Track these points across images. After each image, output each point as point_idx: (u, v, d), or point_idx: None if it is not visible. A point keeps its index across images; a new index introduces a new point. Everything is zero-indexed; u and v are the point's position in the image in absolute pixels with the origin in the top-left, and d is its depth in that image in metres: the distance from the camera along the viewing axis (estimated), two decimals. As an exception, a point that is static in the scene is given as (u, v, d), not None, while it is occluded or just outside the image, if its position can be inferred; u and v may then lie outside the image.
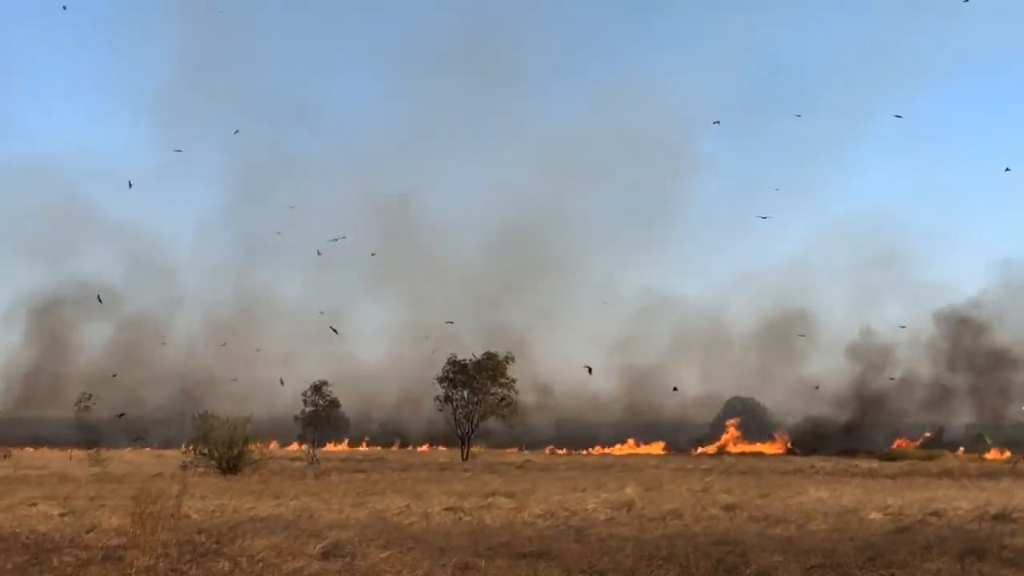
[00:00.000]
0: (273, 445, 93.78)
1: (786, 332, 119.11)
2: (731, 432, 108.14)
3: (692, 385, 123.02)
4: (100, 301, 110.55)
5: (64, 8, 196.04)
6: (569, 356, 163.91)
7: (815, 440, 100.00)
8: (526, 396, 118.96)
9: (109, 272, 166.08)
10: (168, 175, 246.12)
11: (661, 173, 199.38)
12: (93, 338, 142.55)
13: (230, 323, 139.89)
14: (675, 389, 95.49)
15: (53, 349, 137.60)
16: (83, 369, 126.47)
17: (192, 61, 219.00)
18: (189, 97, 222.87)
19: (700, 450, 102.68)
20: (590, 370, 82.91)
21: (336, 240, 77.90)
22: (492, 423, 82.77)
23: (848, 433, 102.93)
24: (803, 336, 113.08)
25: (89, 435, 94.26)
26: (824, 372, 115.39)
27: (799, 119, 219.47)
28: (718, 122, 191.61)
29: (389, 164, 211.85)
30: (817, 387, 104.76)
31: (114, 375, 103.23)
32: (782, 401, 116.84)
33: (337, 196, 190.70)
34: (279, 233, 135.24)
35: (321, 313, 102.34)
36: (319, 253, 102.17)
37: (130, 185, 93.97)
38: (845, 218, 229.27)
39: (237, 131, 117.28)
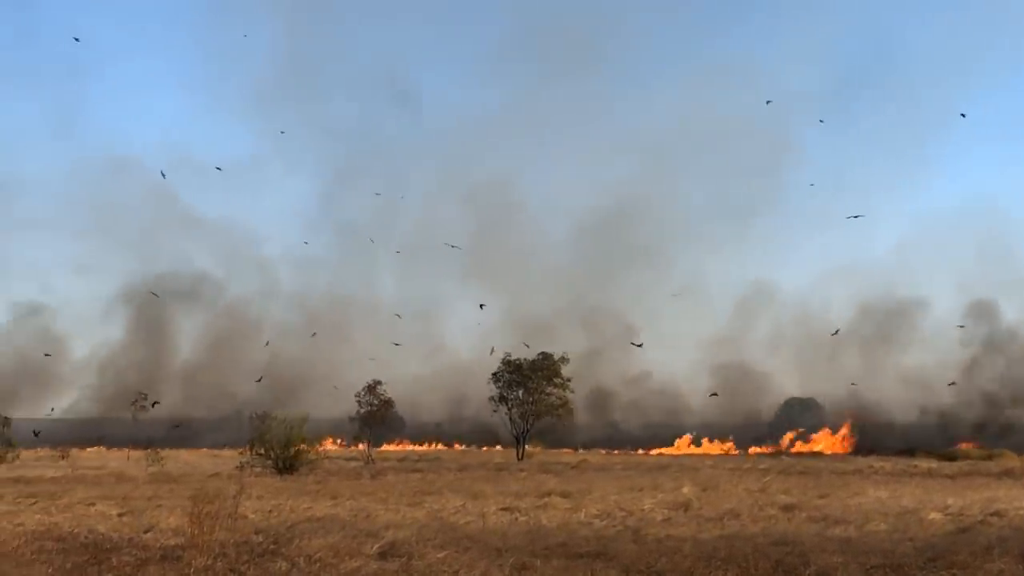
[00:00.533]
0: (329, 444, 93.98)
1: (886, 325, 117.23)
2: (791, 433, 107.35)
3: (784, 382, 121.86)
4: (191, 297, 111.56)
5: None
6: (657, 348, 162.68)
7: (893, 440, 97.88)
8: (621, 389, 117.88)
9: (204, 265, 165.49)
10: (263, 166, 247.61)
11: (755, 163, 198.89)
12: (185, 332, 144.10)
13: (322, 317, 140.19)
14: (714, 395, 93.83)
15: (150, 343, 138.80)
16: (176, 363, 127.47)
17: (287, 50, 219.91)
18: (284, 87, 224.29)
19: (756, 449, 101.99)
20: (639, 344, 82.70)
21: (453, 247, 76.94)
22: (547, 422, 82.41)
23: (980, 431, 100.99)
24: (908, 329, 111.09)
25: (147, 435, 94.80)
26: (928, 366, 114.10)
27: (895, 108, 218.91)
28: (823, 121, 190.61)
29: (484, 152, 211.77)
30: (952, 383, 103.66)
31: (259, 380, 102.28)
32: (891, 396, 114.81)
33: (430, 183, 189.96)
34: (372, 241, 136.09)
35: (398, 316, 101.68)
36: (398, 252, 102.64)
37: (219, 169, 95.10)
38: (946, 207, 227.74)
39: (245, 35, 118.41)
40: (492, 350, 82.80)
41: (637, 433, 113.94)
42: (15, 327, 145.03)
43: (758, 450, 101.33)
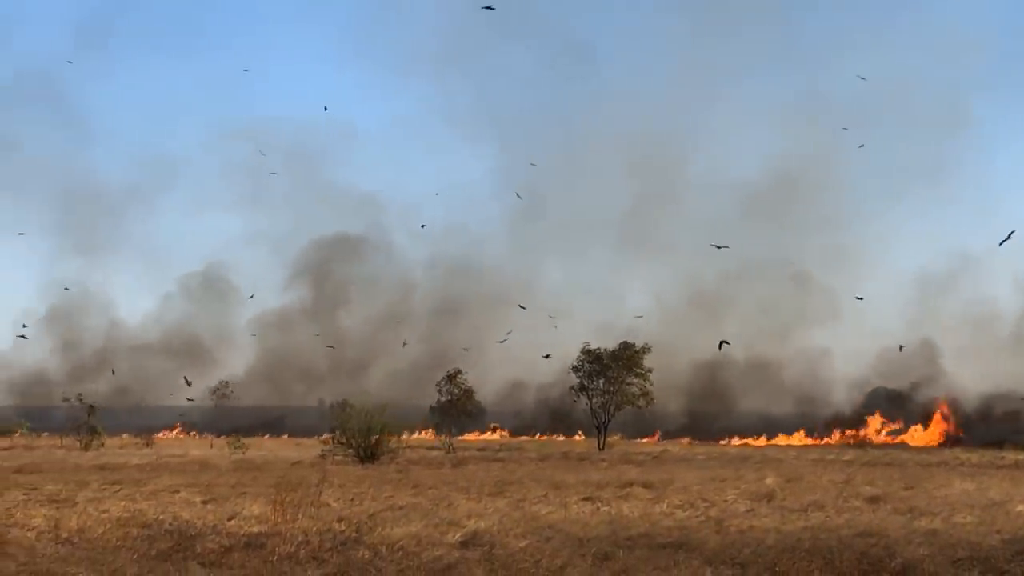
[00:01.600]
0: (425, 433, 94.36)
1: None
2: (873, 422, 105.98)
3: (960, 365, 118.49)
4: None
5: None
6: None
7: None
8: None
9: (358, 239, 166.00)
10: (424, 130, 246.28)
11: (936, 133, 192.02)
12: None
13: (487, 294, 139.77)
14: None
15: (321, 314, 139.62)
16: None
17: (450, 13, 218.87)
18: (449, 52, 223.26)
19: (828, 439, 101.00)
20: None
21: (720, 248, 76.24)
22: (629, 412, 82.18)
23: None
24: None
25: (230, 422, 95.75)
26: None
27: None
28: None
29: (655, 117, 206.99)
30: None
31: (466, 348, 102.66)
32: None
33: (600, 147, 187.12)
34: (519, 196, 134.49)
35: (552, 317, 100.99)
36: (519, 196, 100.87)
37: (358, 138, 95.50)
38: None
39: None
40: (548, 356, 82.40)
41: (736, 421, 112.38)
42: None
43: (840, 440, 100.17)
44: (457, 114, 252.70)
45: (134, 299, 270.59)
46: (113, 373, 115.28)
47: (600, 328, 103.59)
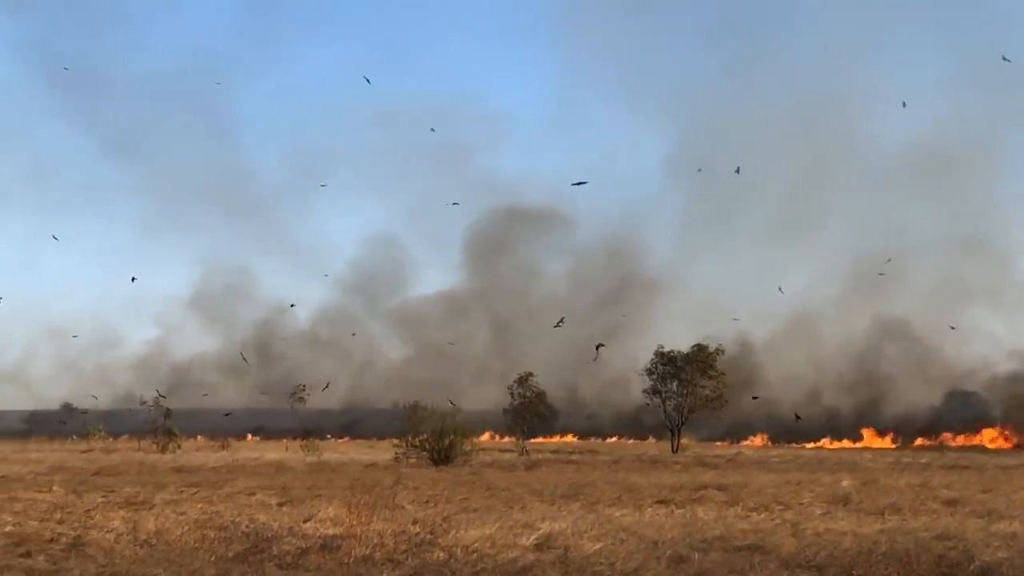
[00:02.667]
0: (485, 436, 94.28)
1: None
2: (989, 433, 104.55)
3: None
4: None
5: None
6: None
7: None
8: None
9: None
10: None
11: None
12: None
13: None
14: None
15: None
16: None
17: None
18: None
19: (919, 442, 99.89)
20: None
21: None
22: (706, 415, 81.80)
23: None
24: None
25: (306, 425, 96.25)
26: None
27: None
28: None
29: (827, 71, 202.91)
30: None
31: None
32: None
33: (766, 104, 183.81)
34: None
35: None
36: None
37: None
38: None
39: None
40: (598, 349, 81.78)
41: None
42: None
43: (920, 443, 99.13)
44: (610, 89, 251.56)
45: (289, 290, 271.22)
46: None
47: (755, 312, 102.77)
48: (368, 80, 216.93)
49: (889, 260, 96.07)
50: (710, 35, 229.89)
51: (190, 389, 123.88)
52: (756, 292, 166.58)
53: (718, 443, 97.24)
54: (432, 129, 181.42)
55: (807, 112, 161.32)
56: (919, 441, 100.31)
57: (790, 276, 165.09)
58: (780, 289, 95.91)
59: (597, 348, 75.12)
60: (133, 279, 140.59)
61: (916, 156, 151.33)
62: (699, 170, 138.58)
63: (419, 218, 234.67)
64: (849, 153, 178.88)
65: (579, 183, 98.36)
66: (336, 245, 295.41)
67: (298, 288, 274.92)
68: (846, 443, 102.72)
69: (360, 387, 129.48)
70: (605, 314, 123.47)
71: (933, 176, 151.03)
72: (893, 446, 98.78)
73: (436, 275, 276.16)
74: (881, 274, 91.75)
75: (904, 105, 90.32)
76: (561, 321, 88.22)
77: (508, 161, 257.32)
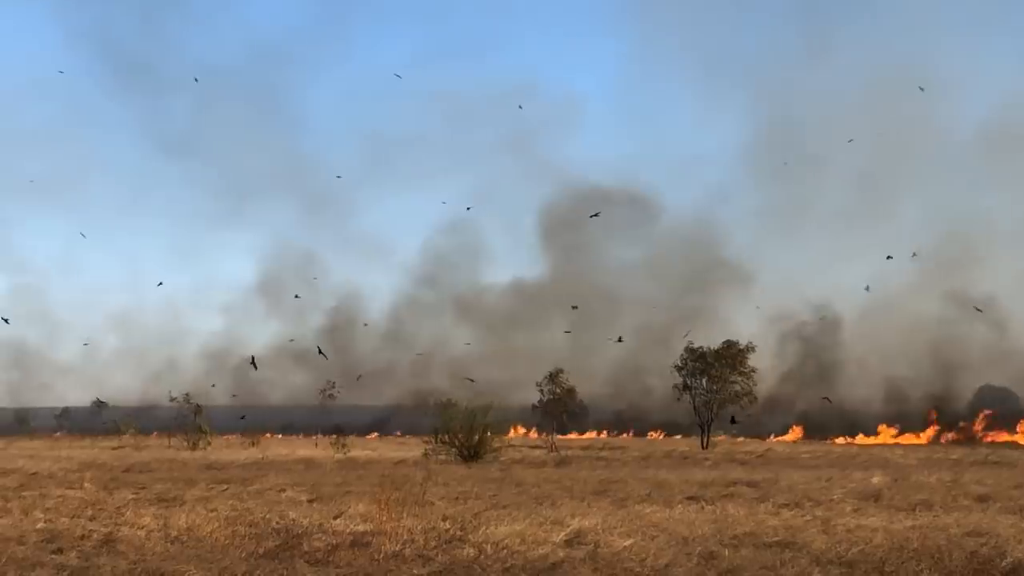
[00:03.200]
0: (514, 432, 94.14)
1: None
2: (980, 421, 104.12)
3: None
4: None
5: None
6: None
7: None
8: None
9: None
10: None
11: None
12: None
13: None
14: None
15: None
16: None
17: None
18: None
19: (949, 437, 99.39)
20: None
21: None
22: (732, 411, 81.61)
23: None
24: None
25: (334, 421, 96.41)
26: None
27: None
28: None
29: (903, 50, 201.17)
30: None
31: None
32: None
33: (841, 86, 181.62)
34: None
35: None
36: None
37: None
38: None
39: None
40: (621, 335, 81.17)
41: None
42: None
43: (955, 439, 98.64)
44: (682, 72, 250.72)
45: (358, 279, 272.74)
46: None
47: (830, 297, 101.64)
48: (399, 76, 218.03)
49: (964, 245, 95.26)
50: (784, 17, 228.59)
51: (254, 382, 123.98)
52: (832, 277, 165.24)
53: (748, 438, 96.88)
54: (520, 106, 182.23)
55: (883, 92, 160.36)
56: (953, 435, 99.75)
57: (867, 260, 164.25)
58: (867, 288, 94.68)
59: (619, 340, 74.93)
60: (160, 283, 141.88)
61: (993, 134, 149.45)
62: (785, 163, 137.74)
63: (490, 204, 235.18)
64: (926, 132, 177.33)
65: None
66: (405, 232, 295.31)
67: (367, 276, 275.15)
68: (876, 439, 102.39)
69: (422, 378, 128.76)
70: (680, 300, 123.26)
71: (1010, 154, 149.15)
72: (924, 441, 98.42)
73: (508, 261, 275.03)
74: (956, 257, 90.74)
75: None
76: (574, 307, 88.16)
77: (579, 146, 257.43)
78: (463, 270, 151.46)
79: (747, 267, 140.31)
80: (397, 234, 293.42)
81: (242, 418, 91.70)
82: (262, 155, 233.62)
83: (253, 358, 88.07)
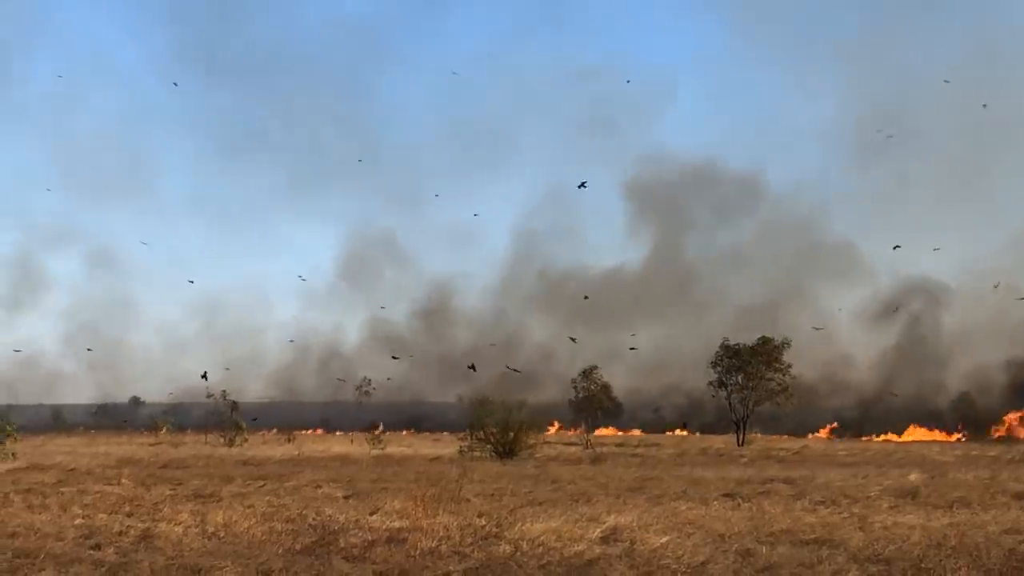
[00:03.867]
0: (552, 430, 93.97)
1: None
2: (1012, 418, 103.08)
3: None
4: None
5: None
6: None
7: None
8: None
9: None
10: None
11: None
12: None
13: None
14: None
15: None
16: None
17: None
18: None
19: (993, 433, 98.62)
20: None
21: None
22: (767, 408, 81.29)
23: None
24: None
25: (370, 417, 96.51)
26: None
27: None
28: None
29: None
30: None
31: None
32: None
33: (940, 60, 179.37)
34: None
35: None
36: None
37: None
38: None
39: None
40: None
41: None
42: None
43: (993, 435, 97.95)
44: (776, 48, 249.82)
45: (447, 265, 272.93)
46: None
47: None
48: (455, 73, 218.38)
49: None
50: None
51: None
52: (934, 256, 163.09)
53: (783, 436, 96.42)
54: (628, 81, 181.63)
55: (984, 66, 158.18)
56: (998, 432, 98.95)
57: (967, 239, 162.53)
58: (995, 286, 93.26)
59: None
60: (191, 281, 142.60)
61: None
62: (890, 136, 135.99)
63: (578, 186, 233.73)
64: None
65: (581, 185, 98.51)
66: (493, 219, 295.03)
67: (456, 262, 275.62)
68: (913, 435, 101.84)
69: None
70: (775, 279, 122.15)
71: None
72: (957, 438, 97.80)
73: (600, 245, 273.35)
74: None
75: None
76: (585, 297, 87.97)
77: (670, 124, 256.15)
78: (554, 254, 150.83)
79: (848, 248, 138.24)
80: (484, 220, 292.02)
81: (254, 419, 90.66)
82: (344, 141, 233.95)
83: (205, 373, 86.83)
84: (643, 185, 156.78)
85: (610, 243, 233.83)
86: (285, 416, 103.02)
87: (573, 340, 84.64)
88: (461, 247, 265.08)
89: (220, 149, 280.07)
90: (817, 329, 79.34)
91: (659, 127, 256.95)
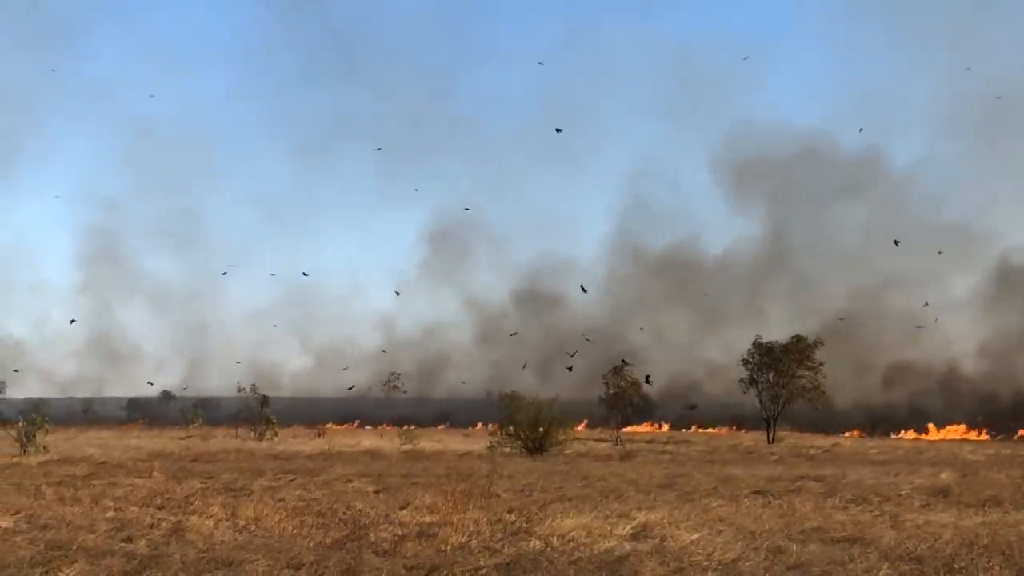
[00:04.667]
0: (582, 426, 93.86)
1: None
2: None
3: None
4: None
5: None
6: None
7: None
8: None
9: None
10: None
11: None
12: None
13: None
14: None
15: None
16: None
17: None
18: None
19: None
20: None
21: None
22: (798, 406, 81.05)
23: None
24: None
25: (400, 413, 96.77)
26: None
27: None
28: None
29: None
30: None
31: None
32: None
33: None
34: None
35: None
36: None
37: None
38: None
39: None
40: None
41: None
42: None
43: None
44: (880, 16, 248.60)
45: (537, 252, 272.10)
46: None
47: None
48: (541, 63, 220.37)
49: None
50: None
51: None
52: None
53: (814, 434, 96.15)
54: (745, 57, 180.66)
55: None
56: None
57: None
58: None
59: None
60: (224, 273, 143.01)
61: None
62: (998, 97, 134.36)
63: (677, 163, 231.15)
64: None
65: (558, 130, 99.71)
66: (590, 202, 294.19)
67: (547, 246, 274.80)
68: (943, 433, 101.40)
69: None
70: (882, 259, 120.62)
71: None
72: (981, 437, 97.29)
73: (705, 225, 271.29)
74: None
75: None
76: (583, 288, 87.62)
77: (770, 96, 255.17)
78: (659, 231, 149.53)
79: (965, 225, 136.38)
80: (582, 203, 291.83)
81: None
82: (434, 129, 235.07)
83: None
84: (742, 162, 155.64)
85: (709, 222, 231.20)
86: (311, 411, 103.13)
87: (588, 339, 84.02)
88: (560, 233, 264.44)
89: (311, 139, 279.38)
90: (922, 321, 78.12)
91: (758, 98, 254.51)
